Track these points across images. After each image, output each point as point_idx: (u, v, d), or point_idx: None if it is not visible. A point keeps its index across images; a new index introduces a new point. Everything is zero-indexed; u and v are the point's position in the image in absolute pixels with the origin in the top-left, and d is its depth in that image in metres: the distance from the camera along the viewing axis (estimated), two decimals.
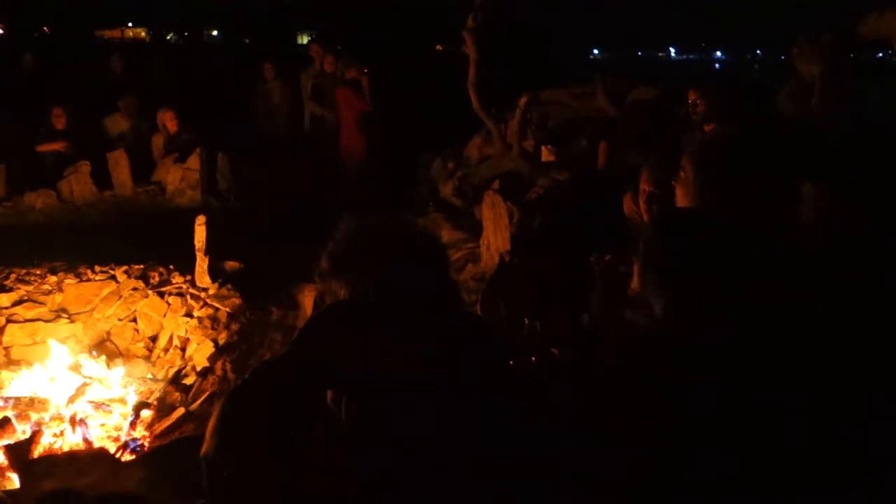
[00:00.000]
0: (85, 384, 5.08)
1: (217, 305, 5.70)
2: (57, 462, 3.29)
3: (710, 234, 1.87)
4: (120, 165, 7.90)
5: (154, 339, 5.83)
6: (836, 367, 1.84)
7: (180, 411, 4.82)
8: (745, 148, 2.46)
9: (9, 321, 5.76)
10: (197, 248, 5.85)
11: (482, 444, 1.74)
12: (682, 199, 2.22)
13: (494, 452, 1.74)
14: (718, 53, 53.85)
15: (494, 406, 1.83)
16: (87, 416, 4.79)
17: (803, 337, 1.83)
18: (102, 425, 4.82)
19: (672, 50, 58.66)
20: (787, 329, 1.80)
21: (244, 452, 1.62)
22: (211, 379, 5.09)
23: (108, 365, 5.51)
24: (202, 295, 5.80)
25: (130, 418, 4.84)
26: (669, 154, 2.88)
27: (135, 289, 5.96)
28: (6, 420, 4.59)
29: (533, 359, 2.68)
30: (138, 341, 5.83)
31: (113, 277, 6.05)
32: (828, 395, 1.72)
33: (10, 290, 5.86)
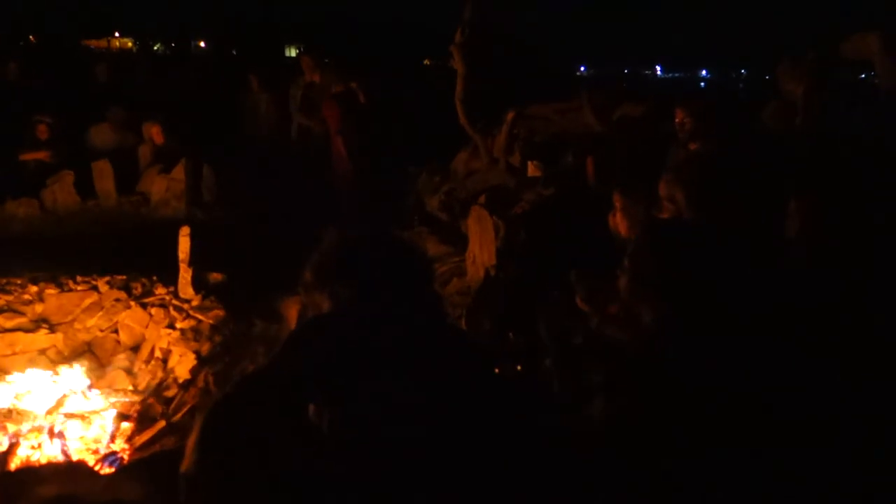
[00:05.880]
0: (64, 396, 5.03)
1: (200, 317, 5.66)
2: (38, 475, 3.25)
3: (694, 241, 1.88)
4: (104, 175, 7.85)
5: (135, 350, 5.77)
6: (825, 375, 1.85)
7: (161, 424, 4.77)
8: (729, 164, 2.49)
9: None
10: (181, 259, 5.82)
11: (466, 453, 1.73)
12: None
13: (478, 461, 1.73)
14: (704, 72, 54.30)
15: (478, 416, 1.82)
16: (65, 428, 4.73)
17: (788, 345, 1.84)
18: (81, 438, 4.75)
19: (658, 68, 59.11)
20: (772, 336, 1.81)
21: (225, 470, 1.60)
22: (192, 391, 5.04)
23: (88, 376, 5.45)
24: (185, 306, 5.75)
25: (110, 430, 4.78)
26: (651, 171, 2.92)
27: (117, 300, 5.91)
28: None
29: (518, 367, 2.69)
30: (119, 353, 5.77)
31: (95, 288, 5.99)
32: (819, 401, 1.73)
33: None
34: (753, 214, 2.41)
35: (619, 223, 2.88)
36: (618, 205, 2.88)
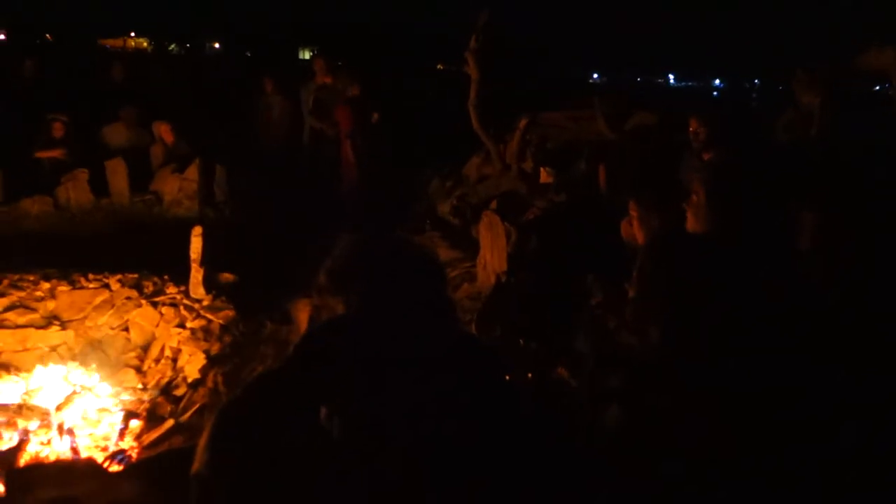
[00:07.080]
0: (74, 393, 5.05)
1: (210, 317, 5.67)
2: (46, 472, 3.25)
3: (700, 256, 1.88)
4: (118, 174, 7.89)
5: (146, 349, 5.79)
6: (826, 378, 1.84)
7: (170, 422, 4.79)
8: (744, 175, 2.48)
9: (0, 326, 5.72)
10: (192, 258, 5.84)
11: (478, 459, 1.73)
12: (693, 223, 2.22)
13: (492, 467, 1.73)
14: (717, 81, 54.19)
15: (491, 421, 1.82)
16: (75, 425, 4.75)
17: (798, 358, 1.83)
18: (91, 435, 4.77)
19: (671, 76, 59.04)
20: (777, 343, 1.80)
21: (236, 471, 1.60)
22: (202, 391, 5.05)
23: (98, 374, 5.47)
24: (196, 306, 5.77)
25: (119, 428, 4.80)
26: (663, 180, 2.93)
27: (128, 298, 5.93)
28: None
29: (529, 375, 2.69)
30: (130, 351, 5.79)
31: (106, 286, 6.02)
32: (819, 402, 1.73)
33: (3, 295, 5.82)
34: (766, 222, 2.41)
35: (636, 231, 2.88)
36: (634, 213, 2.88)
